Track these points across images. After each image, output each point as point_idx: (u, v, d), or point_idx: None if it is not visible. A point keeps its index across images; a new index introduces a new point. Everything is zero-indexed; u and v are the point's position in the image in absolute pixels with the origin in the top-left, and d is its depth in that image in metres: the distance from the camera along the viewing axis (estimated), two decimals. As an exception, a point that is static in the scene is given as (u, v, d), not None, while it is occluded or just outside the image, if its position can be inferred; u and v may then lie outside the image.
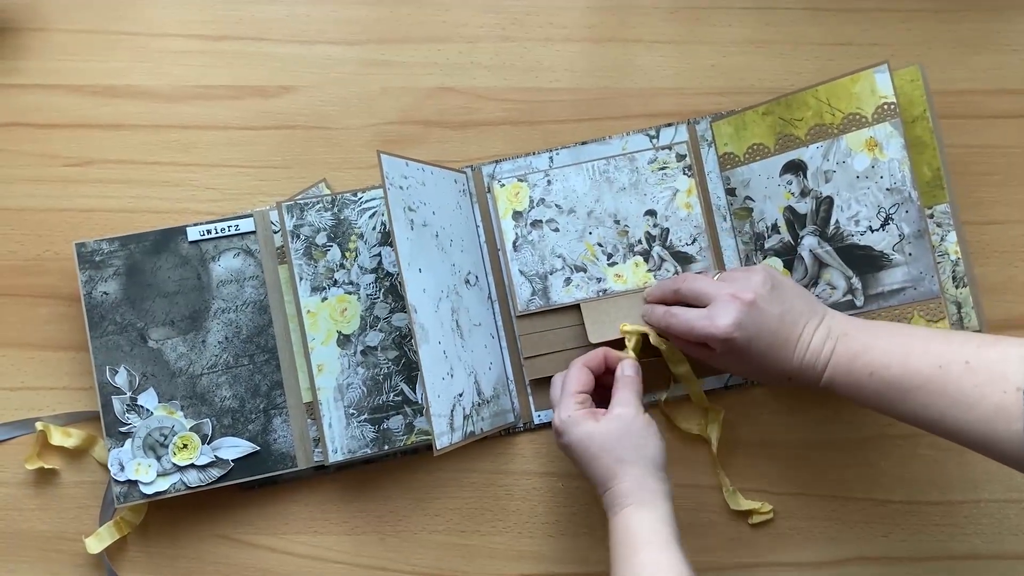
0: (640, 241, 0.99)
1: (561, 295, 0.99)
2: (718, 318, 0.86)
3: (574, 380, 0.91)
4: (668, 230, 0.99)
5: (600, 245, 1.00)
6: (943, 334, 0.81)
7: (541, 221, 1.00)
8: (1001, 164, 1.03)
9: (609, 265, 0.99)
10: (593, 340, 0.97)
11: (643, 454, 0.86)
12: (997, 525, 0.99)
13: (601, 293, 0.99)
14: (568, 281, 0.99)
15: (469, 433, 0.91)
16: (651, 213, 0.99)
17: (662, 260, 0.99)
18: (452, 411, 0.89)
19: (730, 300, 0.86)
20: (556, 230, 1.00)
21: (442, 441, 0.86)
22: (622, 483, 0.85)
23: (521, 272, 0.99)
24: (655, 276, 0.99)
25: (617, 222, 1.00)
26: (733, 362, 0.89)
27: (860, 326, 0.85)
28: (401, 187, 0.90)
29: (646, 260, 0.99)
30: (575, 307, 0.99)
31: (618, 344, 0.96)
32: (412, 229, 0.90)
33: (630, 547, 0.83)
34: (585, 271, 0.99)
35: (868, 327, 0.85)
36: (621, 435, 0.87)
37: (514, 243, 1.00)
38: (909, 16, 1.05)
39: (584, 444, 0.87)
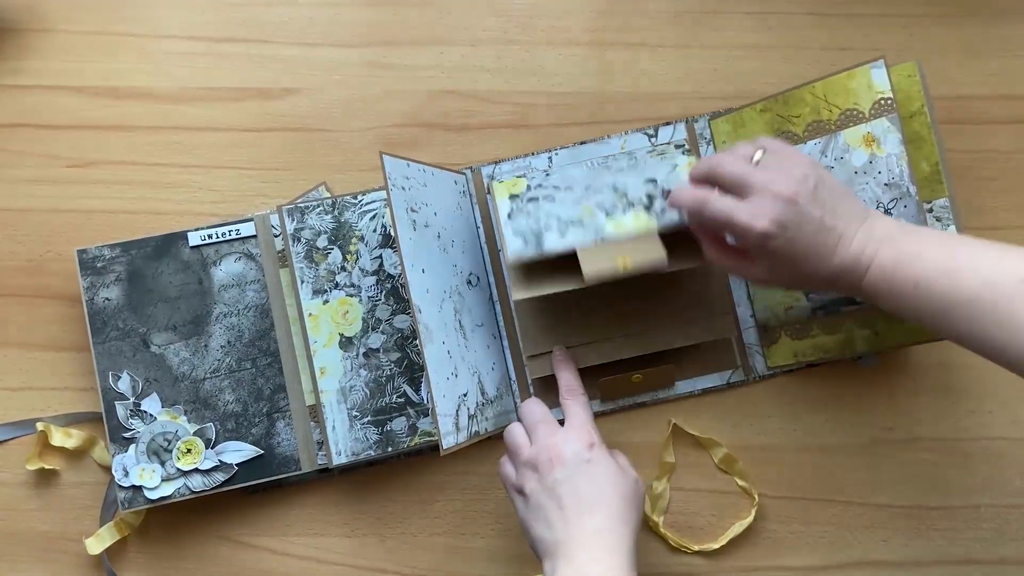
0: (641, 199, 0.93)
1: (556, 243, 0.91)
2: (758, 214, 0.80)
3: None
4: (671, 191, 0.91)
5: (599, 206, 0.93)
6: (996, 249, 0.76)
7: (537, 198, 0.95)
8: (1003, 169, 1.03)
9: (608, 218, 0.92)
10: (588, 272, 0.89)
11: None
12: (997, 531, 0.99)
13: (599, 240, 0.91)
14: (563, 233, 0.92)
15: (474, 433, 0.91)
16: (652, 181, 0.93)
17: (665, 210, 0.91)
18: (457, 411, 0.89)
19: (772, 197, 0.80)
20: (553, 201, 0.94)
21: (448, 441, 0.86)
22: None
23: (514, 232, 0.93)
24: (658, 219, 0.91)
25: (616, 190, 0.94)
26: (765, 267, 0.84)
27: (907, 231, 0.81)
28: (403, 188, 0.90)
29: (648, 211, 0.91)
30: (578, 312, 0.99)
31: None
32: (415, 230, 0.90)
33: None
34: (582, 224, 0.92)
35: (915, 233, 0.80)
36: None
37: (509, 214, 0.94)
38: (912, 21, 1.05)
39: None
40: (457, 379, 0.90)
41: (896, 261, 0.78)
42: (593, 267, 0.88)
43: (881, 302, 0.80)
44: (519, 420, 0.92)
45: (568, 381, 0.95)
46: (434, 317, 0.89)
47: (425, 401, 0.96)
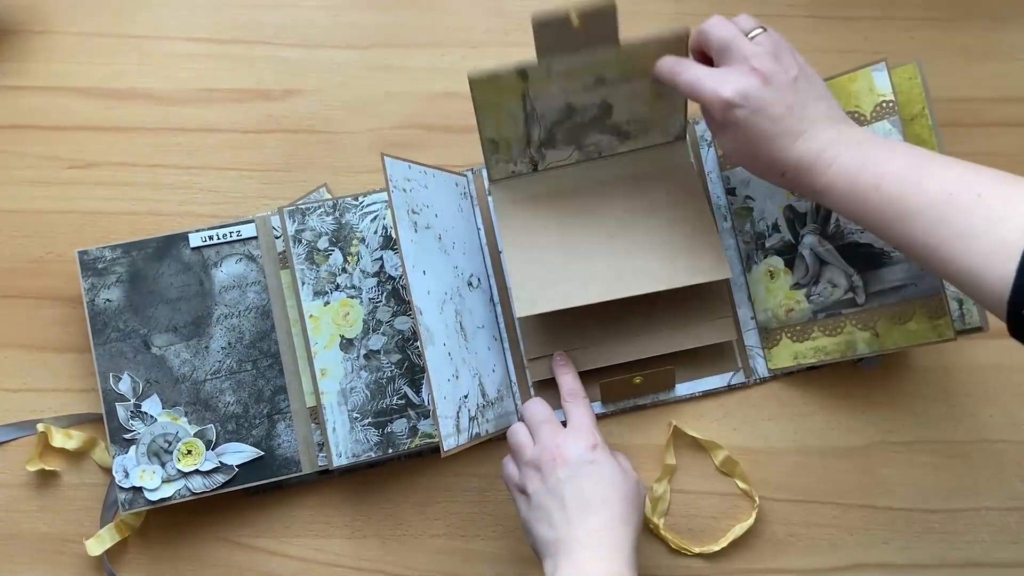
0: None
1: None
2: (727, 82, 0.82)
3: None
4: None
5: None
6: (960, 163, 0.76)
7: None
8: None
9: None
10: (536, 13, 0.86)
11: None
12: (997, 533, 0.99)
13: None
14: None
15: (475, 435, 0.91)
16: None
17: None
18: (458, 413, 0.89)
19: (748, 70, 0.81)
20: None
21: (448, 443, 0.86)
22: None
23: None
24: None
25: None
26: (729, 138, 0.85)
27: (875, 138, 0.81)
28: (404, 190, 0.90)
29: None
30: (580, 319, 0.98)
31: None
32: (416, 232, 0.90)
33: None
34: None
35: (883, 140, 0.81)
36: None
37: None
38: (912, 24, 1.05)
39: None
40: (458, 381, 0.90)
41: (862, 162, 0.79)
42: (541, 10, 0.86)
43: (835, 202, 0.81)
44: (522, 420, 0.92)
45: (569, 384, 0.95)
46: (435, 319, 0.89)
47: (426, 403, 0.96)
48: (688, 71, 0.85)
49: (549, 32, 0.86)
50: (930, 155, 0.78)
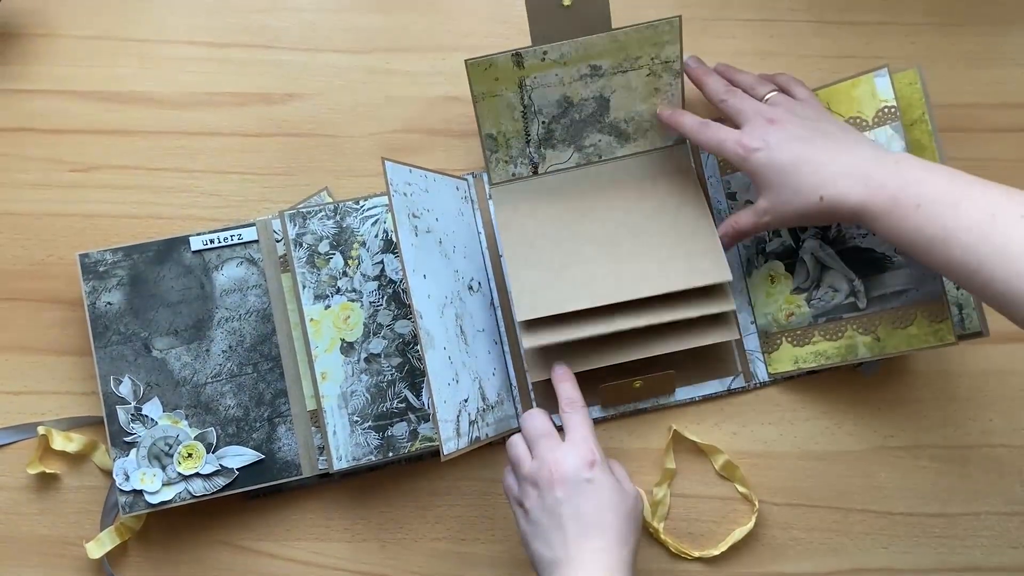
0: None
1: None
2: (744, 133, 0.88)
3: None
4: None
5: None
6: (1002, 187, 0.78)
7: None
8: (1004, 178, 1.00)
9: None
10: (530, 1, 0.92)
11: None
12: (997, 538, 0.99)
13: None
14: None
15: (475, 439, 0.91)
16: None
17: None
18: (458, 417, 0.89)
19: (765, 122, 0.88)
20: None
21: (448, 447, 0.86)
22: None
23: None
24: None
25: None
26: (761, 184, 0.88)
27: (912, 159, 0.82)
28: (405, 194, 0.90)
29: None
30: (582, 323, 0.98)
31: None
32: (416, 235, 0.90)
33: None
34: None
35: (921, 162, 0.82)
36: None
37: None
38: (913, 29, 1.05)
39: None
40: (458, 384, 0.90)
41: (901, 181, 0.80)
42: None
43: (872, 220, 0.82)
44: (521, 431, 0.92)
45: (568, 393, 0.94)
46: (435, 322, 0.89)
47: (426, 406, 0.96)
48: (709, 129, 0.92)
49: (543, 14, 0.88)
50: (969, 177, 0.79)
